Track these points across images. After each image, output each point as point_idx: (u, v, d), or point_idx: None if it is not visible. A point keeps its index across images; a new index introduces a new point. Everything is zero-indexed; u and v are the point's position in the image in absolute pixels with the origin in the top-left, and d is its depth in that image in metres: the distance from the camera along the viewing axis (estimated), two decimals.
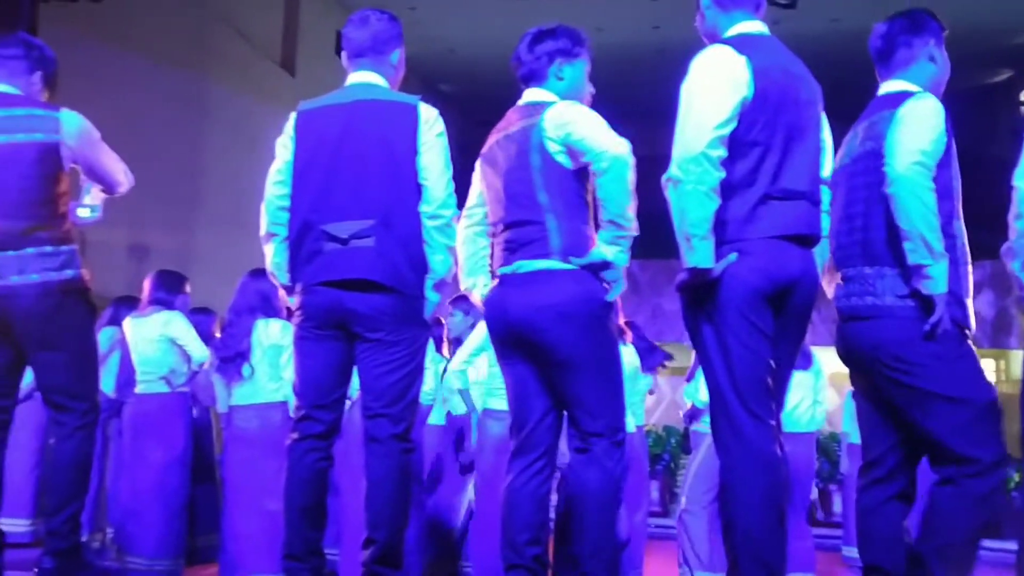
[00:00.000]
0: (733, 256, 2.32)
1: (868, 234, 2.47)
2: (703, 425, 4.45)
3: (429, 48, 12.53)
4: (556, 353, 2.52)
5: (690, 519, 4.56)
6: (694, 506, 4.56)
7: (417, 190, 2.63)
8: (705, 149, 2.28)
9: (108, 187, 3.01)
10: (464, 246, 2.76)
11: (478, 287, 2.77)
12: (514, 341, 2.58)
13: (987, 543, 2.65)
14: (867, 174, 2.48)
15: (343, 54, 2.83)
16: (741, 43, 2.41)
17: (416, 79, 13.88)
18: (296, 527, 2.61)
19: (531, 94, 2.69)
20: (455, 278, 2.78)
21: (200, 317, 4.84)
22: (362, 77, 2.76)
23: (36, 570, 2.78)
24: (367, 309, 2.57)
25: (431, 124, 2.65)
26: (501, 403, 3.96)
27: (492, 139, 2.70)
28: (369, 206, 2.59)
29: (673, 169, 2.34)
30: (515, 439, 2.61)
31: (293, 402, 2.85)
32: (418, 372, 2.68)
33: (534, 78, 2.69)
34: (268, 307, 4.23)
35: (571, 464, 2.56)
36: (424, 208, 2.63)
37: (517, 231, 2.57)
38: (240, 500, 4.20)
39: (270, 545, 4.13)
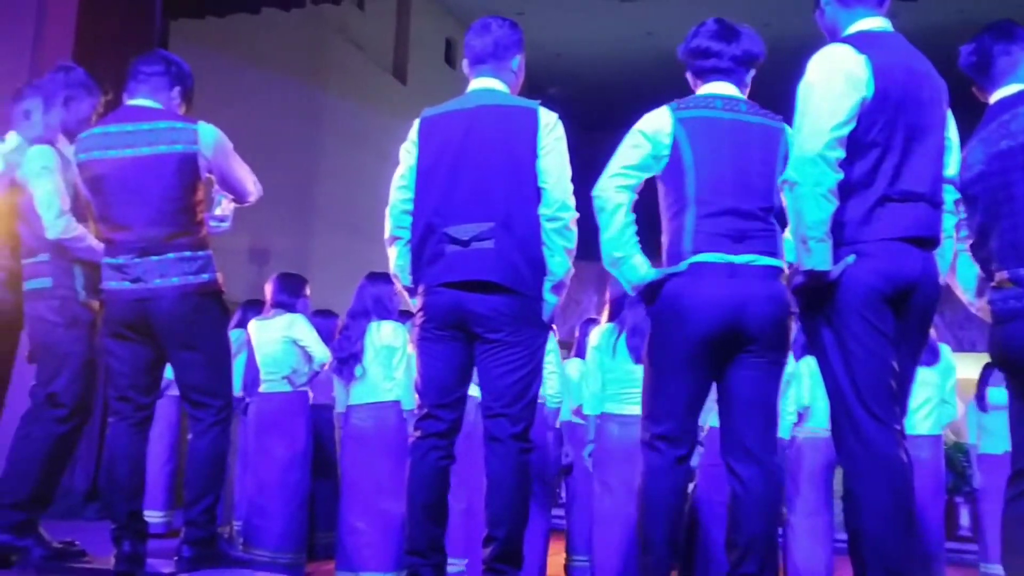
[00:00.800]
0: (851, 258, 2.30)
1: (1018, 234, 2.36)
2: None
3: (536, 53, 12.57)
4: (774, 351, 2.52)
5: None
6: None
7: (537, 193, 2.67)
8: (822, 151, 2.27)
9: (239, 196, 3.15)
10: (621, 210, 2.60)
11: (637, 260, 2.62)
12: (729, 334, 2.48)
13: None
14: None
15: (464, 61, 2.89)
16: (861, 41, 2.38)
17: (524, 83, 13.96)
18: (419, 523, 2.67)
19: (732, 89, 2.64)
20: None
21: (322, 320, 5.01)
22: (484, 83, 2.81)
23: (175, 558, 2.94)
24: (487, 310, 2.62)
25: (551, 128, 2.69)
26: (621, 407, 3.96)
27: (712, 111, 2.60)
28: (490, 209, 2.64)
29: (790, 171, 2.34)
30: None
31: (412, 401, 2.91)
32: (537, 372, 2.71)
33: (730, 76, 2.64)
34: (381, 309, 4.37)
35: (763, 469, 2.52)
36: (543, 211, 2.67)
37: (746, 222, 2.51)
38: (356, 498, 4.34)
39: (385, 544, 4.26)
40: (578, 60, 11.92)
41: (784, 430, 3.97)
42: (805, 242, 2.29)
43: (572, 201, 2.70)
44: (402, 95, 10.49)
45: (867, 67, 2.32)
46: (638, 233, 2.60)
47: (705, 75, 2.66)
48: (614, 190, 2.55)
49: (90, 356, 3.13)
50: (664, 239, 2.60)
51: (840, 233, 2.32)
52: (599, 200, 2.58)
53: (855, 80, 2.31)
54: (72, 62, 3.37)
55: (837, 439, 2.37)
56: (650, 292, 2.55)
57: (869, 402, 2.29)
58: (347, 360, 4.35)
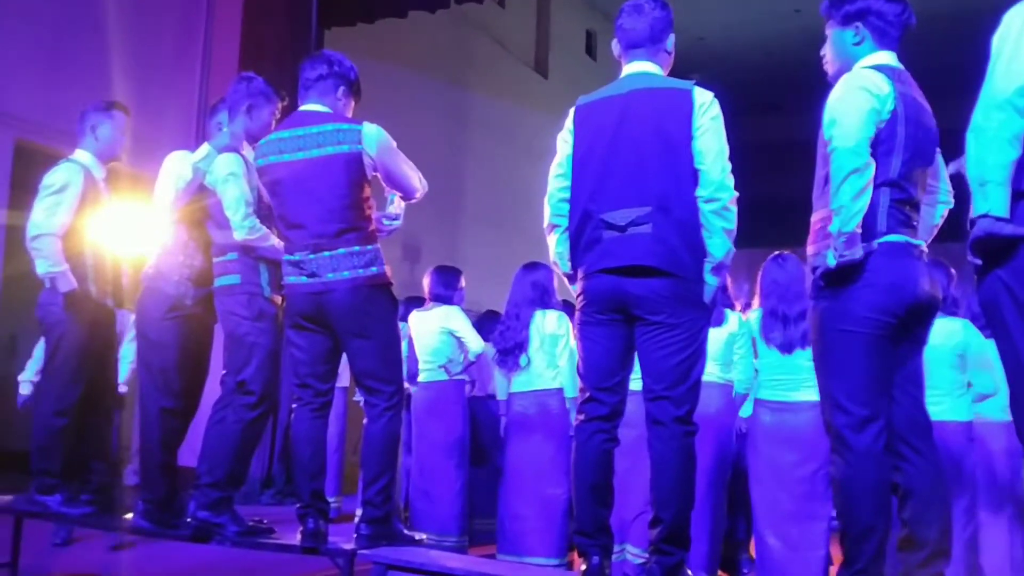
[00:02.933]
0: None
1: None
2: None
3: (678, 37, 12.47)
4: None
5: None
6: None
7: (694, 175, 2.66)
8: (1012, 96, 2.16)
9: (405, 193, 3.29)
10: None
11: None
12: (912, 317, 2.56)
13: None
14: None
15: (615, 45, 2.90)
16: None
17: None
18: (586, 505, 2.73)
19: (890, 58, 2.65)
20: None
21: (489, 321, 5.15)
22: (638, 67, 2.82)
23: (355, 535, 3.11)
24: (648, 293, 2.64)
25: (706, 107, 2.68)
26: (773, 393, 3.91)
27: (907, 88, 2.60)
28: (646, 193, 2.66)
29: (977, 116, 2.23)
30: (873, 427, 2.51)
31: (575, 389, 2.96)
32: (699, 355, 2.71)
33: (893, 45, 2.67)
34: (543, 297, 4.44)
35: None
36: (701, 192, 2.66)
37: (920, 208, 2.62)
38: (518, 484, 4.43)
39: (547, 528, 4.35)
40: (722, 43, 11.71)
41: (962, 412, 3.76)
42: (983, 186, 2.18)
43: (731, 181, 2.68)
44: (544, 89, 10.59)
45: None
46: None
47: None
48: None
49: (275, 347, 3.36)
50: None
51: None
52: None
53: None
54: (251, 73, 3.60)
55: (1018, 417, 2.27)
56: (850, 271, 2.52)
57: None
58: (512, 350, 4.44)
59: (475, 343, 4.78)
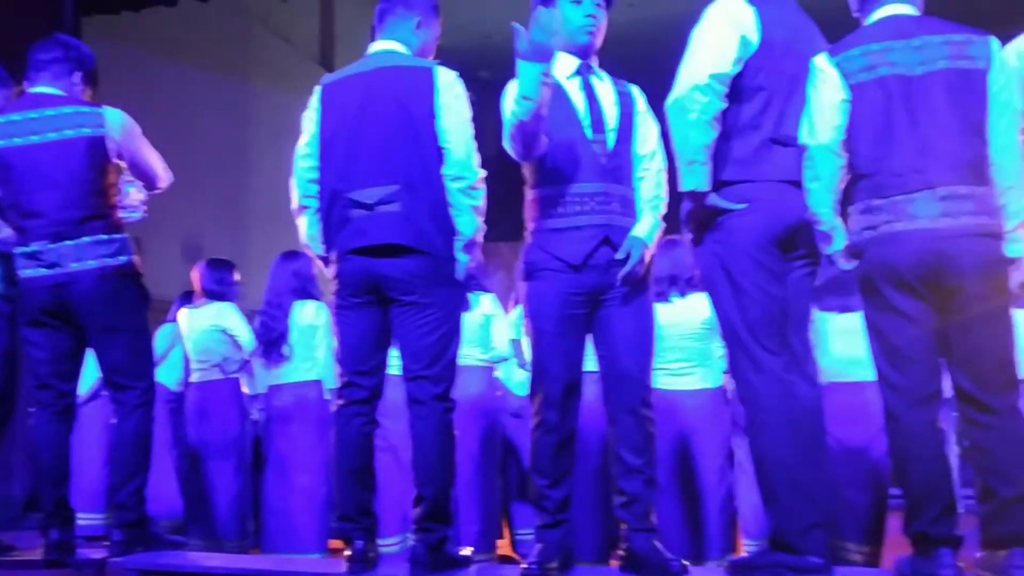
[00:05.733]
0: (743, 205, 2.42)
1: None
2: None
3: (465, 35, 12.61)
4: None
5: None
6: None
7: (439, 153, 2.67)
8: (709, 81, 2.39)
9: (149, 181, 3.14)
10: None
11: None
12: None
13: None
14: None
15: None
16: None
17: (453, 67, 13.93)
18: (347, 489, 2.70)
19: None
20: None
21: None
22: (382, 45, 2.81)
23: (107, 543, 2.93)
24: (399, 273, 2.64)
25: (449, 86, 2.69)
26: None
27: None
28: (393, 171, 2.65)
29: (679, 95, 2.42)
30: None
31: (334, 380, 2.93)
32: (455, 333, 2.73)
33: None
34: (301, 287, 4.38)
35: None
36: (446, 171, 2.67)
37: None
38: (277, 478, 4.34)
39: (307, 523, 4.26)
40: (507, 42, 11.94)
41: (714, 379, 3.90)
42: (690, 164, 2.41)
43: (477, 160, 2.71)
44: None
45: (755, 16, 2.46)
46: None
47: None
48: None
49: (11, 348, 3.10)
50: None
51: (730, 171, 2.45)
52: None
53: (743, 27, 2.45)
54: None
55: (734, 372, 2.47)
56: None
57: (763, 338, 2.41)
58: (276, 341, 4.35)
59: (249, 341, 4.62)
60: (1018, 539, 2.20)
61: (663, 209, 2.76)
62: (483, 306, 4.13)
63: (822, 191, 2.41)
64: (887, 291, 2.30)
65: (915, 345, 2.30)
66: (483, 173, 2.73)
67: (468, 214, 2.70)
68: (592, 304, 2.67)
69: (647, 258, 2.67)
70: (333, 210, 2.71)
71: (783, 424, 2.35)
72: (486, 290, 4.23)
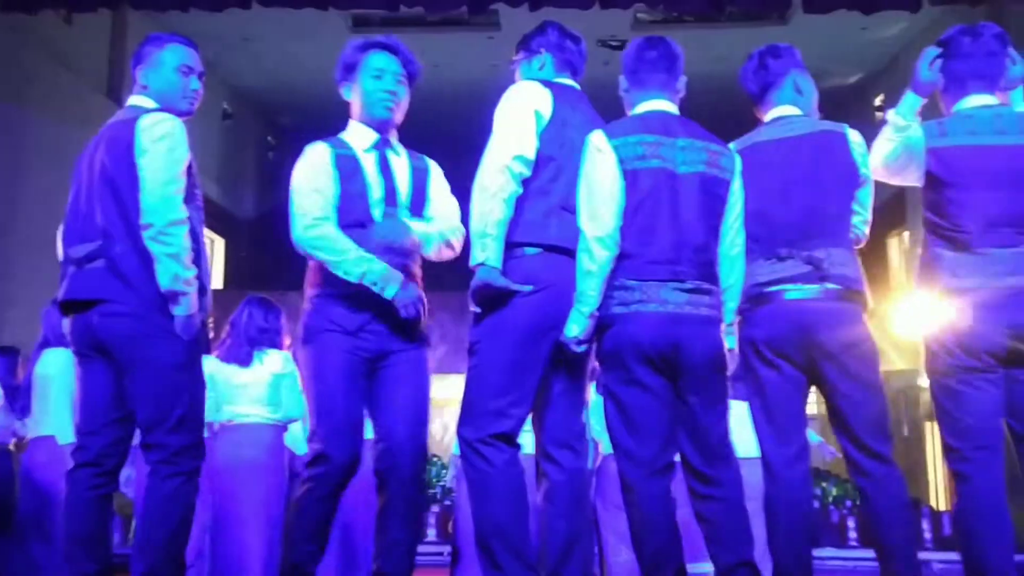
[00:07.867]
0: (528, 288, 2.49)
1: None
2: None
3: (265, 80, 12.35)
4: None
5: None
6: None
7: (137, 203, 2.57)
8: (511, 162, 2.50)
9: None
10: None
11: None
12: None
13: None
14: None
15: None
16: (547, 84, 2.65)
17: (252, 111, 13.61)
18: (73, 556, 2.58)
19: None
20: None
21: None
22: (130, 100, 2.78)
23: None
24: (112, 329, 2.57)
25: (147, 130, 2.59)
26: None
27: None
28: (95, 227, 2.61)
29: (482, 176, 2.51)
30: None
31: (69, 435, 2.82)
32: (180, 390, 2.60)
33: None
34: (57, 337, 4.13)
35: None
36: (141, 220, 2.56)
37: None
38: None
39: None
40: (310, 89, 11.80)
41: None
42: (484, 238, 2.48)
43: (170, 204, 2.56)
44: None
45: (550, 96, 2.60)
46: None
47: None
48: None
49: None
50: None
51: (520, 233, 2.52)
52: None
53: (539, 104, 2.58)
54: None
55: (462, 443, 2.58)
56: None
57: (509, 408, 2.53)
58: (15, 393, 4.18)
59: None
60: None
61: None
62: (270, 363, 3.96)
63: (598, 278, 2.48)
64: (632, 364, 2.46)
65: (654, 417, 2.47)
66: (180, 217, 2.58)
67: (162, 262, 2.55)
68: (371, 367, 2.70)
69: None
70: (64, 268, 2.71)
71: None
72: (278, 347, 4.07)
